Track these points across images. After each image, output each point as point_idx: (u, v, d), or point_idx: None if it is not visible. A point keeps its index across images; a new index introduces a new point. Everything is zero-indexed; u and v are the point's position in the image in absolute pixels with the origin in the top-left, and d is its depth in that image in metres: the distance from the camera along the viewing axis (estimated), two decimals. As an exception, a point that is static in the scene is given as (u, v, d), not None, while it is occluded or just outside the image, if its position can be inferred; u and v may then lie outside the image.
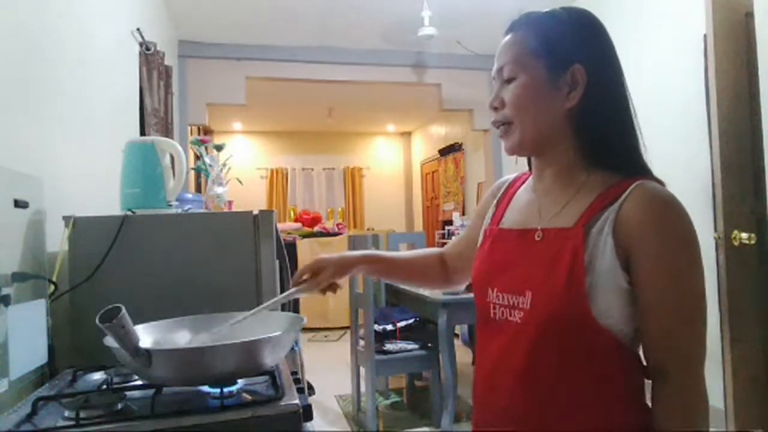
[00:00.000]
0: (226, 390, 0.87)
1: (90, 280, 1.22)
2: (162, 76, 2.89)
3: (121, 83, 2.38)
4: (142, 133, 2.70)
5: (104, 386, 0.97)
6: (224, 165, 2.28)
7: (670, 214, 0.77)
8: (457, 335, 4.17)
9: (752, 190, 2.24)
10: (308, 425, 0.85)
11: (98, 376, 1.08)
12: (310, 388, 1.27)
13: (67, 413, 0.81)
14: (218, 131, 8.05)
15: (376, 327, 3.11)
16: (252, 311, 1.01)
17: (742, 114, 2.25)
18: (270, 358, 0.90)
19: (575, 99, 0.83)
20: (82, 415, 0.79)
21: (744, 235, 2.16)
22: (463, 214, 6.66)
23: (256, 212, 1.36)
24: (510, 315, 0.85)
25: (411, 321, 3.25)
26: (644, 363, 0.81)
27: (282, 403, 0.84)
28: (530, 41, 0.85)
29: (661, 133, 3.07)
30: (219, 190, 2.15)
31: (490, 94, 0.90)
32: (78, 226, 1.25)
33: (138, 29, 2.63)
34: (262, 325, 1.01)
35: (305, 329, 4.59)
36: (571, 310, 0.77)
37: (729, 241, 2.17)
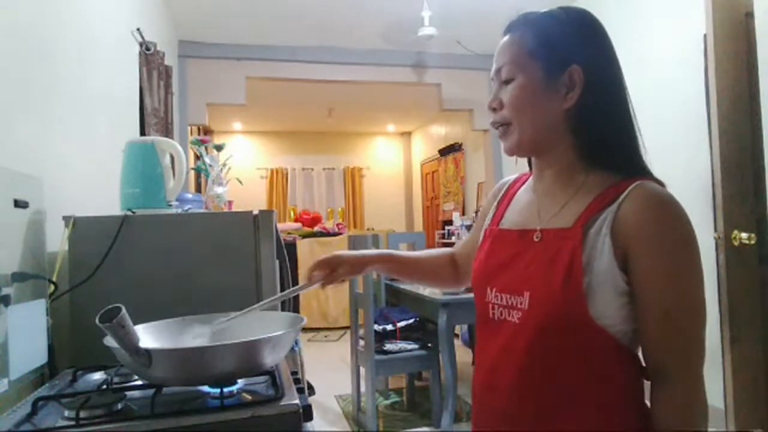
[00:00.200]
0: (226, 390, 0.87)
1: (90, 280, 1.22)
2: (162, 76, 2.89)
3: (121, 83, 2.38)
4: (142, 133, 2.70)
5: (104, 386, 0.97)
6: (224, 165, 2.28)
7: (668, 214, 0.76)
8: (457, 335, 4.17)
9: (752, 190, 2.24)
10: (308, 425, 0.85)
11: (98, 376, 1.08)
12: (310, 388, 1.27)
13: (67, 413, 0.81)
14: (218, 131, 8.06)
15: (376, 327, 3.11)
16: (259, 304, 1.03)
17: (742, 114, 2.24)
18: (270, 358, 0.90)
19: (573, 99, 0.83)
20: (82, 415, 0.79)
21: (744, 235, 2.16)
22: (463, 214, 6.66)
23: (256, 212, 1.36)
24: (508, 315, 0.85)
25: (411, 321, 3.25)
26: (643, 364, 0.81)
27: (282, 403, 0.84)
28: (528, 42, 0.85)
29: (661, 133, 3.07)
30: (219, 190, 2.15)
31: (490, 95, 0.90)
32: (78, 226, 1.25)
33: (138, 29, 2.63)
34: (262, 325, 1.01)
35: (305, 329, 4.60)
36: (569, 310, 0.77)
37: (729, 241, 2.17)
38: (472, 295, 0.96)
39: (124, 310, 0.79)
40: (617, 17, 3.43)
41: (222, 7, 3.94)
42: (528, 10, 0.90)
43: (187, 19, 4.12)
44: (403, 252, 1.17)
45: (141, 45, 2.68)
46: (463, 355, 4.11)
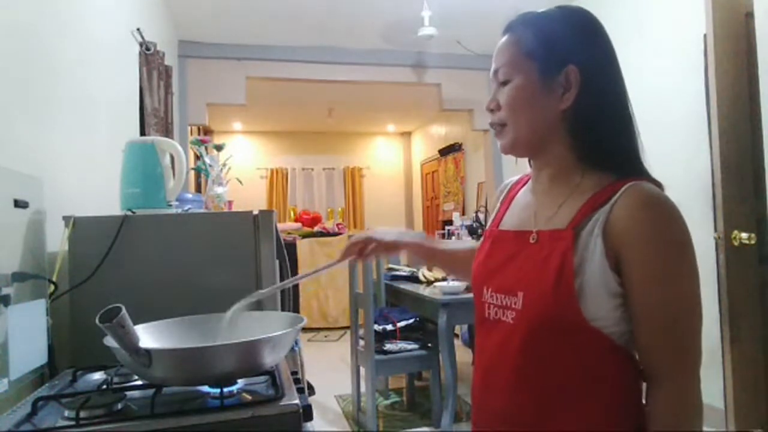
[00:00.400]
0: (226, 390, 0.87)
1: (90, 280, 1.22)
2: (162, 76, 2.89)
3: (121, 83, 2.38)
4: (142, 133, 2.70)
5: (104, 386, 0.97)
6: (224, 165, 2.28)
7: (660, 215, 0.76)
8: (457, 335, 4.17)
9: (752, 190, 2.24)
10: (308, 425, 0.85)
11: (98, 376, 1.08)
12: (310, 388, 1.28)
13: (67, 413, 0.81)
14: (218, 131, 8.05)
15: (376, 327, 3.11)
16: (283, 283, 1.10)
17: (742, 114, 2.25)
18: (270, 358, 0.90)
19: (569, 100, 0.82)
20: (82, 415, 0.79)
21: (744, 235, 2.16)
22: (463, 214, 6.66)
23: (256, 212, 1.36)
24: (503, 315, 0.85)
25: (411, 321, 3.25)
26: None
27: (282, 403, 0.84)
28: (524, 43, 0.85)
29: (661, 133, 3.07)
30: (219, 190, 2.15)
31: (490, 95, 0.90)
32: (78, 226, 1.25)
33: (138, 29, 2.63)
34: (262, 325, 1.01)
35: (305, 329, 4.59)
36: (561, 311, 0.77)
37: (729, 241, 2.17)
38: (472, 295, 0.97)
39: (124, 310, 0.79)
40: (617, 17, 3.43)
41: (222, 7, 3.94)
42: (527, 10, 0.89)
43: (187, 19, 4.12)
44: (434, 243, 1.19)
45: (141, 45, 2.68)
46: (463, 355, 4.11)
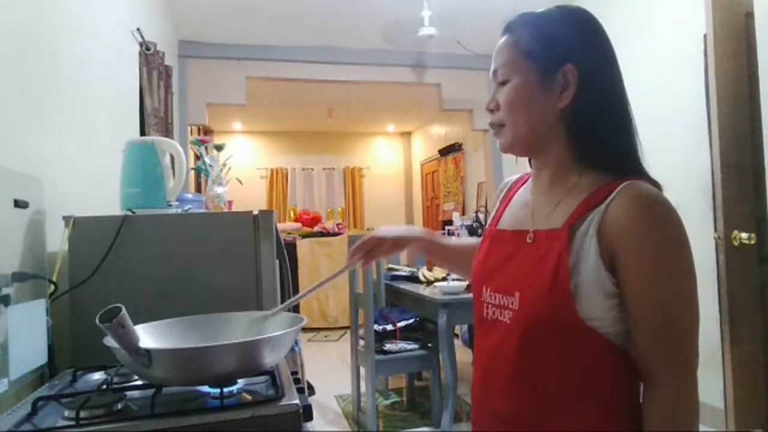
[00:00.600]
0: (226, 390, 0.87)
1: (90, 280, 1.22)
2: (162, 76, 2.89)
3: (121, 83, 2.38)
4: (142, 133, 2.70)
5: (104, 386, 0.97)
6: (224, 165, 2.28)
7: (655, 214, 0.76)
8: (457, 335, 4.17)
9: (752, 190, 2.24)
10: (308, 425, 0.85)
11: (98, 376, 1.08)
12: (310, 388, 1.28)
13: (67, 413, 0.81)
14: (218, 131, 8.05)
15: (376, 327, 3.11)
16: (300, 294, 1.10)
17: (742, 114, 2.25)
18: (270, 358, 0.90)
19: (567, 99, 0.82)
20: (82, 415, 0.79)
21: (744, 235, 2.16)
22: (463, 214, 6.66)
23: (256, 212, 1.36)
24: (501, 315, 0.85)
25: (411, 321, 3.25)
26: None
27: (282, 403, 0.84)
28: (522, 43, 0.85)
29: (661, 133, 3.07)
30: (219, 190, 2.15)
31: (490, 95, 0.90)
32: (78, 226, 1.25)
33: (138, 29, 2.63)
34: (262, 325, 1.01)
35: (305, 329, 4.60)
36: (557, 311, 0.77)
37: (729, 241, 2.17)
38: (471, 295, 0.97)
39: (124, 310, 0.79)
40: (617, 17, 3.43)
41: (222, 7, 3.94)
42: (526, 10, 0.89)
43: (187, 19, 4.12)
44: (439, 238, 1.18)
45: (141, 45, 2.68)
46: (463, 355, 4.11)
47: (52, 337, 1.16)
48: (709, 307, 2.38)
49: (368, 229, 8.31)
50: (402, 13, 4.08)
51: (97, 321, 0.78)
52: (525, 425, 0.81)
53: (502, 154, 0.90)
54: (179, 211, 1.52)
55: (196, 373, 0.85)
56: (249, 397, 0.88)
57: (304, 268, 5.70)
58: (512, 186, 1.02)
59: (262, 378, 0.97)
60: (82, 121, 1.73)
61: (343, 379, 3.72)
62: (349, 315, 3.71)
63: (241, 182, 3.12)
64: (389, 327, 3.18)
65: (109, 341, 0.82)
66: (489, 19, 4.11)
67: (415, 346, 3.10)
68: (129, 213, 1.31)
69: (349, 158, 8.99)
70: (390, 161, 9.28)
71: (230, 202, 2.29)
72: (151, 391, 0.85)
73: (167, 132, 3.02)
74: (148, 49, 2.70)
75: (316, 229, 6.38)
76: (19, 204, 1.08)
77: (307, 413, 0.84)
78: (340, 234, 6.28)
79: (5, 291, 0.98)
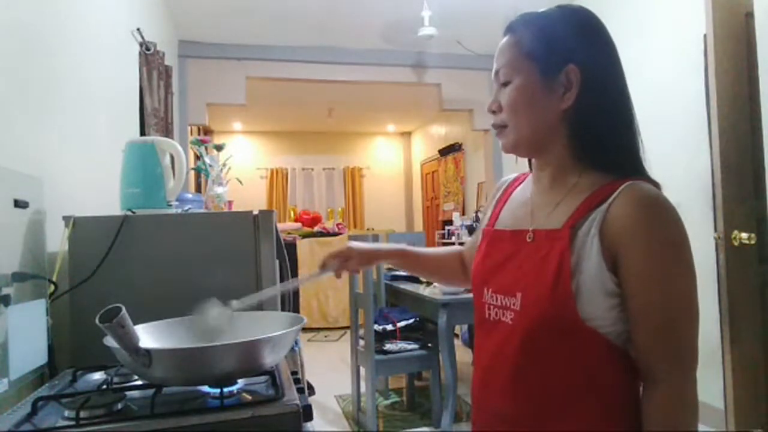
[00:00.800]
0: (226, 390, 0.87)
1: (90, 280, 1.22)
2: (162, 76, 2.89)
3: (121, 83, 2.38)
4: (142, 133, 2.70)
5: (104, 386, 0.97)
6: (224, 165, 2.28)
7: (657, 215, 0.76)
8: (457, 335, 4.17)
9: (752, 190, 2.24)
10: (308, 425, 0.85)
11: (98, 376, 1.08)
12: (310, 388, 1.28)
13: (67, 413, 0.81)
14: (218, 131, 8.06)
15: (376, 327, 3.11)
16: (269, 289, 1.07)
17: (742, 114, 2.25)
18: (270, 358, 0.90)
19: (570, 99, 0.82)
20: (82, 415, 0.79)
21: (744, 235, 2.16)
22: (463, 214, 6.66)
23: (256, 212, 1.36)
24: (502, 316, 0.85)
25: (411, 321, 3.25)
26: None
27: (282, 403, 0.83)
28: (524, 43, 0.84)
29: (661, 133, 3.07)
30: (219, 190, 2.15)
31: (491, 95, 0.90)
32: (78, 226, 1.25)
33: (138, 29, 2.63)
34: (262, 325, 1.01)
35: (305, 329, 4.60)
36: (559, 312, 0.77)
37: (729, 241, 2.17)
38: (472, 295, 0.97)
39: (124, 310, 0.79)
40: (617, 17, 3.43)
41: (222, 7, 3.94)
42: (527, 10, 0.89)
43: (187, 19, 4.12)
44: (415, 248, 1.18)
45: (141, 45, 2.68)
46: (463, 355, 4.11)
47: (52, 337, 1.16)
48: (709, 307, 2.38)
49: (368, 229, 8.31)
50: (402, 13, 4.08)
51: (97, 321, 0.78)
52: (525, 425, 0.81)
53: (503, 154, 0.91)
54: (179, 211, 1.52)
55: (196, 373, 0.85)
56: (249, 397, 0.88)
57: (304, 268, 5.70)
58: (509, 186, 1.02)
59: (262, 378, 0.97)
60: (82, 121, 1.73)
61: (343, 379, 3.72)
62: (349, 315, 3.71)
63: (241, 182, 3.12)
64: (389, 327, 3.18)
65: (109, 341, 0.82)
66: (489, 19, 4.11)
67: (415, 346, 3.10)
68: (129, 213, 1.31)
69: (349, 158, 9.00)
70: (390, 161, 9.29)
71: (230, 202, 2.29)
72: (151, 391, 0.85)
73: (167, 132, 3.02)
74: (148, 49, 2.70)
75: (316, 229, 6.38)
76: (19, 204, 1.08)
77: (307, 413, 0.84)
78: (340, 234, 6.28)
79: (5, 291, 0.98)
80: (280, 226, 4.29)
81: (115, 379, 1.01)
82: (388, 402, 3.53)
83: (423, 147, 8.74)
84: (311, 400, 0.91)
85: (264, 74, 4.80)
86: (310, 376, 1.87)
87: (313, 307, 5.89)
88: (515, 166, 1.03)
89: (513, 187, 1.00)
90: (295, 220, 6.86)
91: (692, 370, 0.77)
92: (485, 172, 5.64)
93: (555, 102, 0.83)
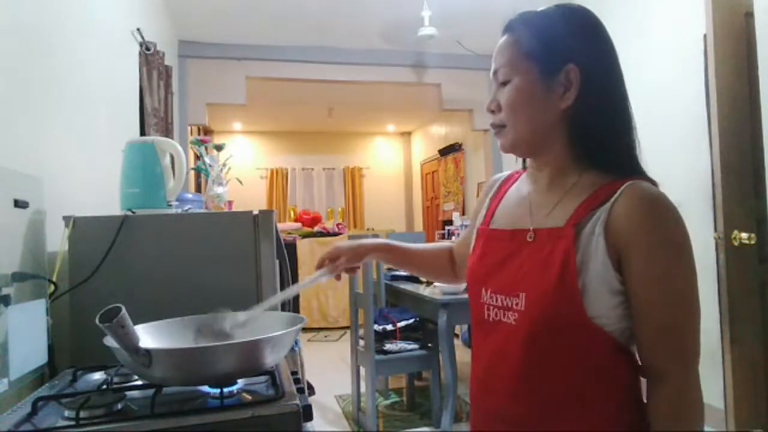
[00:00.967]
0: (226, 390, 0.87)
1: (90, 280, 1.22)
2: (162, 76, 2.89)
3: (121, 83, 2.38)
4: (142, 133, 2.70)
5: (104, 386, 0.97)
6: (224, 165, 2.28)
7: (659, 213, 0.76)
8: (457, 335, 4.17)
9: (752, 190, 2.24)
10: (308, 425, 0.85)
11: (98, 376, 1.08)
12: (310, 388, 1.28)
13: (67, 413, 0.81)
14: (218, 131, 8.06)
15: (376, 327, 3.11)
16: (276, 296, 1.08)
17: (742, 114, 2.25)
18: (270, 358, 0.90)
19: (570, 99, 0.82)
20: (82, 415, 0.79)
21: (744, 235, 2.16)
22: (463, 214, 6.66)
23: (256, 212, 1.36)
24: (504, 316, 0.84)
25: (411, 321, 3.25)
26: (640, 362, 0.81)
27: (282, 403, 0.83)
28: (523, 43, 0.84)
29: (661, 133, 3.07)
30: (219, 190, 2.15)
31: (490, 95, 0.90)
32: (78, 226, 1.25)
33: (138, 29, 2.63)
34: (262, 325, 1.01)
35: (305, 329, 4.60)
36: (565, 311, 0.77)
37: (729, 241, 2.17)
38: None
39: (124, 310, 0.79)
40: (617, 17, 3.43)
41: (222, 7, 3.94)
42: (526, 10, 0.89)
43: (187, 19, 4.12)
44: (402, 243, 1.17)
45: (141, 45, 2.68)
46: (463, 355, 4.11)
47: (52, 337, 1.16)
48: (709, 307, 2.38)
49: (368, 229, 8.31)
50: (402, 13, 4.08)
51: (97, 321, 0.78)
52: (529, 425, 0.81)
53: (502, 153, 0.90)
54: (179, 211, 1.52)
55: (196, 373, 0.85)
56: (249, 397, 0.88)
57: (304, 268, 5.70)
58: (503, 183, 1.01)
59: (262, 378, 0.97)
60: (82, 121, 1.73)
61: (343, 379, 3.72)
62: (349, 315, 3.71)
63: (241, 182, 3.12)
64: (389, 327, 3.18)
65: (109, 341, 0.82)
66: (489, 19, 4.11)
67: (415, 346, 3.10)
68: (129, 213, 1.31)
69: (349, 158, 9.00)
70: (390, 161, 9.29)
71: (230, 202, 2.29)
72: (151, 391, 0.85)
73: (167, 132, 3.02)
74: (148, 49, 2.71)
75: (316, 229, 6.38)
76: (19, 204, 1.08)
77: (307, 413, 0.84)
78: (340, 234, 6.28)
79: (5, 291, 0.98)
80: (280, 226, 4.29)
81: (115, 379, 1.00)
82: (388, 402, 3.53)
83: (423, 147, 8.74)
84: (311, 400, 0.91)
85: (264, 74, 4.80)
86: (310, 376, 1.87)
87: (313, 307, 5.89)
88: (515, 165, 1.03)
89: (507, 185, 0.99)
90: (295, 220, 6.86)
91: (695, 366, 0.77)
92: (485, 172, 5.64)
93: (554, 102, 0.83)
